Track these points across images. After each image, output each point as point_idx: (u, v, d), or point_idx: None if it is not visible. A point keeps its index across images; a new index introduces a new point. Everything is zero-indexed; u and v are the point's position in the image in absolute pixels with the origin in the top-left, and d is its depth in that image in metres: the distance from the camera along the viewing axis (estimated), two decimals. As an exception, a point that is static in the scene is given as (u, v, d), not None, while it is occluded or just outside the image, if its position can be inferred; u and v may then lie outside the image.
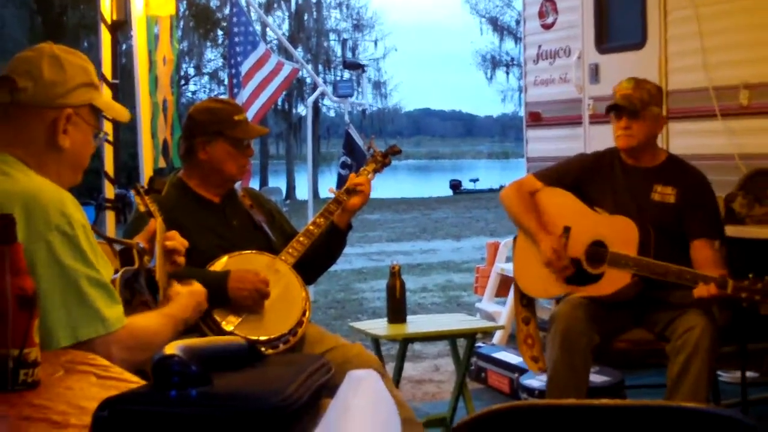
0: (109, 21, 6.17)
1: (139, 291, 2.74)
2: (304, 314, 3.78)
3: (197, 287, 2.93)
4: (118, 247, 2.90)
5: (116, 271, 2.72)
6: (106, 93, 5.60)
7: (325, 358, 1.76)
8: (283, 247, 3.94)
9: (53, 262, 2.40)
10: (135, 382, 2.14)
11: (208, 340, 1.85)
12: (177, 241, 3.04)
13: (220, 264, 3.75)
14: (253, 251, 3.86)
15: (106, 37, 6.17)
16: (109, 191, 6.25)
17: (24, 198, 2.44)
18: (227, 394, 1.45)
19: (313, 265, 4.02)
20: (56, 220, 2.42)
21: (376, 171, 4.24)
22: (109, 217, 6.17)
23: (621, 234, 4.33)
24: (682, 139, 6.25)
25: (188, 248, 3.07)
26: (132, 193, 3.25)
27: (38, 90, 2.60)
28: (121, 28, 6.34)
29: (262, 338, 3.58)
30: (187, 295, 2.85)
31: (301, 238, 3.94)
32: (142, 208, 3.16)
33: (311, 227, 3.97)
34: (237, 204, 4.02)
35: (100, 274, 2.47)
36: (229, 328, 3.61)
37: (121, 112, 2.85)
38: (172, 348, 1.46)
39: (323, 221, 3.98)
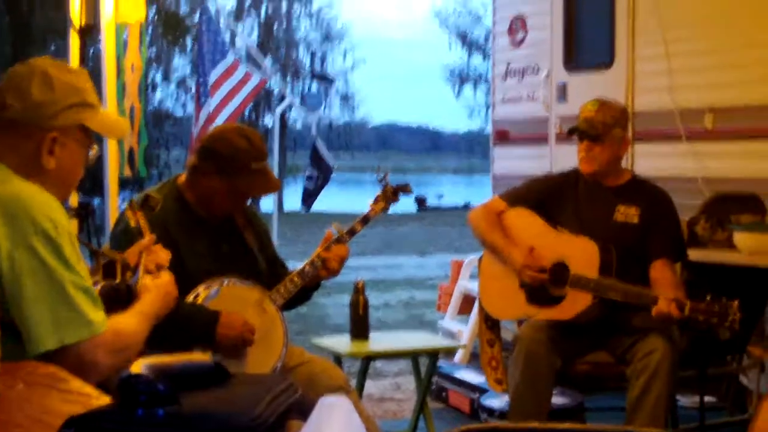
0: (77, 26, 6.13)
1: (116, 306, 2.72)
2: (280, 359, 3.76)
3: (164, 278, 2.89)
4: (103, 260, 2.89)
5: (95, 284, 2.71)
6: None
7: (291, 379, 1.76)
8: (267, 273, 3.91)
9: (39, 266, 2.39)
10: (96, 396, 2.12)
11: (175, 359, 1.84)
12: (160, 255, 3.01)
13: (211, 295, 3.69)
14: (244, 282, 3.79)
15: (74, 41, 6.14)
16: (73, 199, 6.20)
17: (6, 202, 2.43)
18: (195, 414, 1.44)
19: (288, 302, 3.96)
20: (42, 224, 2.41)
21: (384, 210, 4.18)
22: (72, 225, 6.12)
23: (583, 255, 4.34)
24: (647, 161, 6.29)
25: (177, 267, 3.03)
26: (125, 206, 3.22)
27: (25, 109, 2.58)
28: (89, 33, 6.30)
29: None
30: (154, 288, 2.83)
31: (295, 279, 3.88)
32: (132, 224, 3.13)
33: (307, 268, 3.90)
34: (230, 224, 3.92)
35: (83, 279, 2.47)
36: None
37: (118, 129, 2.85)
38: (139, 367, 1.45)
39: (319, 261, 3.92)
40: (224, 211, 3.85)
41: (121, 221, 3.69)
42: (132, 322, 2.62)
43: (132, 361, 2.44)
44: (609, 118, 4.42)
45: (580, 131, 4.43)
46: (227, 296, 3.71)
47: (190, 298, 3.64)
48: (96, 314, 2.45)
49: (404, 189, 4.26)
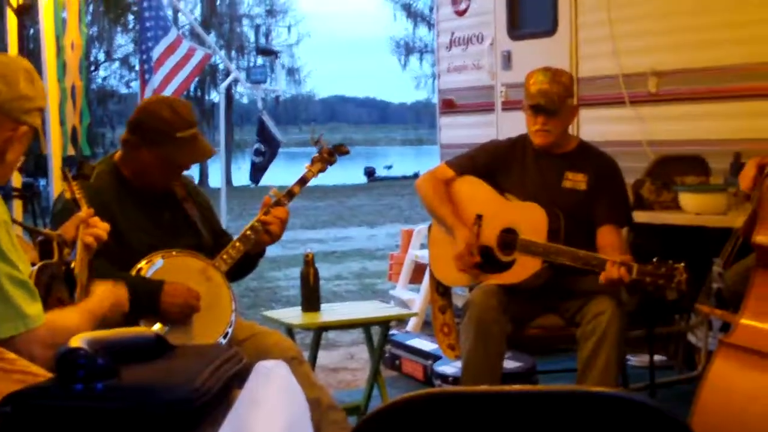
0: (14, 4, 6.06)
1: (56, 286, 2.69)
2: (230, 325, 3.74)
3: (120, 289, 2.90)
4: (38, 238, 2.85)
5: (33, 264, 2.68)
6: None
7: (236, 348, 1.75)
8: (211, 244, 3.88)
9: None
10: (42, 375, 2.11)
11: (116, 332, 1.83)
12: (99, 228, 2.98)
13: (153, 267, 3.66)
14: (187, 252, 3.78)
15: (12, 21, 6.06)
16: (17, 180, 6.13)
17: None
18: (134, 387, 1.42)
19: (232, 272, 3.93)
20: None
21: (320, 171, 4.17)
22: (17, 206, 6.06)
23: (531, 221, 4.36)
24: (592, 126, 6.31)
25: (118, 242, 3.01)
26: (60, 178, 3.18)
27: (10, 97, 2.58)
28: (27, 12, 6.22)
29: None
30: (106, 290, 2.82)
31: (237, 244, 3.86)
32: (68, 195, 3.09)
33: (248, 233, 3.88)
34: (170, 196, 3.91)
35: (20, 272, 2.45)
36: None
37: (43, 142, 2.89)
38: (78, 341, 1.43)
39: (260, 226, 3.91)
40: (160, 184, 3.83)
41: (59, 200, 3.66)
42: (73, 317, 2.61)
43: None
44: (562, 89, 4.42)
45: (541, 107, 4.41)
46: (170, 267, 3.69)
47: (132, 272, 3.61)
48: (32, 308, 2.43)
49: (340, 149, 4.26)
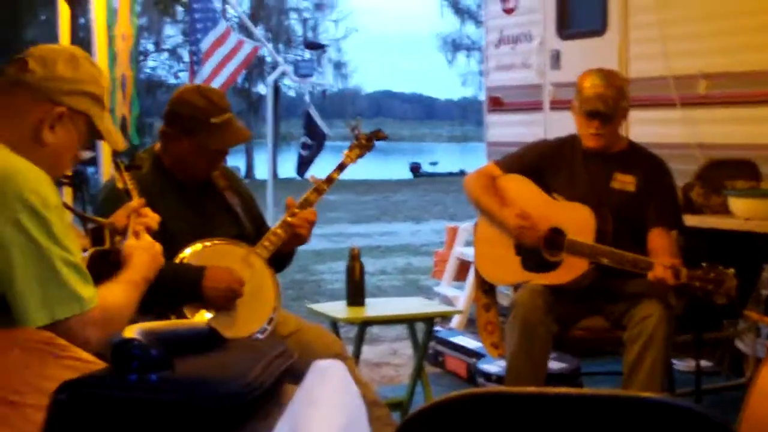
0: (67, -5, 6.11)
1: (107, 273, 2.71)
2: (274, 311, 3.75)
3: (145, 239, 2.88)
4: (89, 226, 2.87)
5: (84, 250, 2.70)
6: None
7: (286, 344, 1.76)
8: (253, 234, 3.90)
9: (28, 242, 2.39)
10: (93, 362, 2.12)
11: (169, 324, 1.84)
12: (150, 218, 3.00)
13: (194, 253, 3.68)
14: (228, 240, 3.79)
15: (63, 11, 6.10)
16: (67, 168, 6.18)
17: None
18: (188, 379, 1.43)
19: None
20: (30, 200, 2.41)
21: (359, 156, 4.19)
22: (66, 193, 6.11)
23: (579, 221, 4.34)
24: (642, 128, 6.27)
25: (161, 232, 3.03)
26: (112, 168, 3.20)
27: (45, 78, 2.60)
28: (78, 2, 6.28)
29: (232, 338, 3.53)
30: (140, 251, 2.81)
31: (278, 231, 3.87)
32: (120, 185, 3.11)
33: (289, 218, 3.89)
34: (211, 186, 3.93)
35: (72, 254, 2.46)
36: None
37: (117, 139, 2.81)
38: (132, 331, 1.45)
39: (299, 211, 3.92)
40: (201, 172, 3.85)
41: (105, 187, 3.69)
42: (119, 293, 2.60)
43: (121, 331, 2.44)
44: (617, 93, 4.38)
45: (598, 113, 4.37)
46: (212, 254, 3.70)
47: (176, 261, 3.64)
48: (85, 290, 2.45)
49: (377, 135, 4.29)
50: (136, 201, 3.00)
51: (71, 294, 2.41)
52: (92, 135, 2.70)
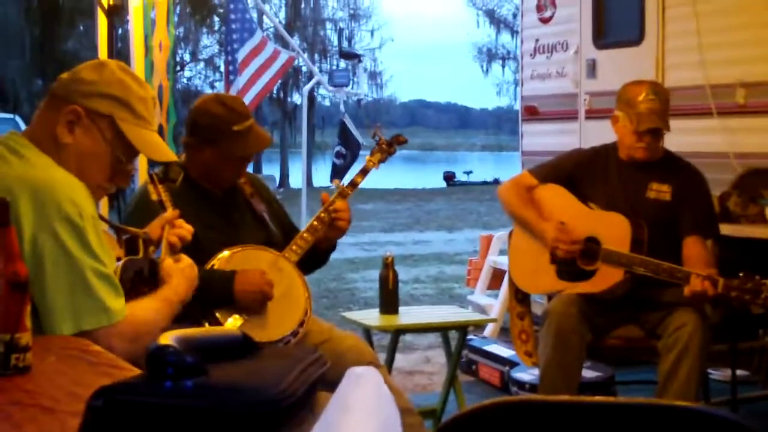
0: (105, 5, 6.17)
1: (140, 283, 2.72)
2: (305, 314, 3.76)
3: (185, 263, 2.89)
4: (124, 236, 2.89)
5: (118, 259, 2.72)
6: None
7: (320, 352, 1.76)
8: (282, 240, 3.92)
9: (61, 252, 2.40)
10: (128, 369, 2.14)
11: (203, 331, 1.85)
12: (184, 229, 3.02)
13: (222, 259, 3.71)
14: (256, 246, 3.82)
15: (102, 21, 6.16)
16: (103, 177, 6.23)
17: (35, 185, 2.44)
18: (223, 386, 1.44)
19: (304, 265, 3.95)
20: (66, 210, 2.42)
21: (381, 161, 4.22)
22: (103, 203, 6.15)
23: (614, 231, 4.32)
24: (678, 137, 6.20)
25: (191, 242, 3.04)
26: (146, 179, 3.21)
27: (68, 83, 2.63)
28: (117, 12, 6.33)
29: (264, 340, 3.55)
30: (179, 273, 2.81)
31: (305, 235, 3.89)
32: (154, 197, 3.12)
33: (315, 223, 3.92)
34: (238, 194, 3.96)
35: (105, 266, 2.47)
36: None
37: (155, 149, 2.75)
38: (167, 338, 1.46)
39: (327, 217, 3.95)
40: (227, 180, 3.87)
41: (136, 197, 3.72)
42: (151, 309, 2.62)
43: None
44: (667, 107, 4.38)
45: (657, 131, 4.36)
46: (241, 260, 3.73)
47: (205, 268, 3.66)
48: (115, 302, 2.46)
49: (398, 140, 4.31)
50: (170, 212, 3.02)
51: (100, 305, 2.43)
52: (123, 141, 2.66)
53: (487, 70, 45.23)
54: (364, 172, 4.16)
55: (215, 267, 3.68)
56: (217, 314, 3.59)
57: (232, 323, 3.59)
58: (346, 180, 4.12)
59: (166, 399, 1.40)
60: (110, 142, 2.64)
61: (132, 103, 2.66)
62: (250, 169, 4.14)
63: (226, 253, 3.73)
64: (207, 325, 3.51)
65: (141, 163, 6.22)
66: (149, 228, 3.01)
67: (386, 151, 4.23)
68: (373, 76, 44.46)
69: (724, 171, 5.67)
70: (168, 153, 2.81)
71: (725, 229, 4.80)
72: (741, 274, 3.91)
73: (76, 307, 2.40)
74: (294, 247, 3.86)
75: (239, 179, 3.95)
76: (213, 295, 3.52)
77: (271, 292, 3.68)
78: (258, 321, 3.65)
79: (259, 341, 3.45)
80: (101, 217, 2.63)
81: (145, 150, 2.73)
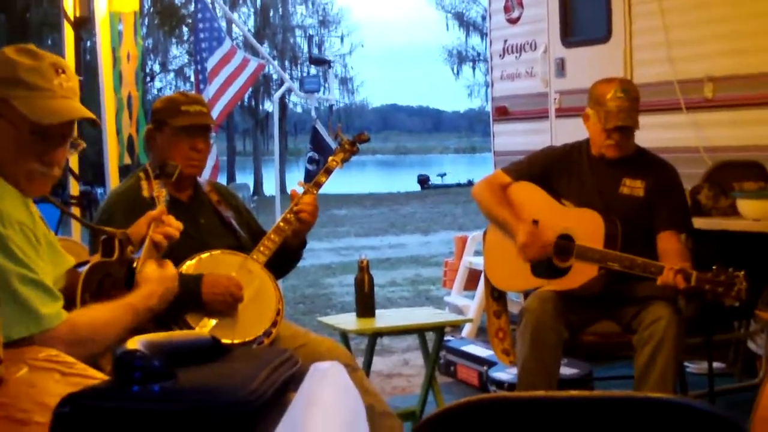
0: (72, 18, 6.14)
1: (109, 284, 2.68)
2: (278, 314, 3.75)
3: (168, 271, 2.85)
4: (102, 236, 2.84)
5: (84, 263, 2.67)
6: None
7: (291, 351, 1.75)
8: (251, 244, 3.91)
9: None
10: (100, 378, 2.11)
11: (172, 335, 1.83)
12: (173, 226, 2.98)
13: (191, 265, 3.70)
14: (224, 251, 3.81)
15: (69, 34, 6.14)
16: (74, 188, 6.20)
17: None
18: (191, 389, 1.42)
19: (277, 266, 3.96)
20: None
21: (344, 160, 4.23)
22: (75, 213, 6.11)
23: (588, 227, 4.33)
24: (648, 133, 6.22)
25: None
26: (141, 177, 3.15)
27: None
28: (84, 25, 6.30)
29: (236, 341, 3.54)
30: (156, 281, 2.77)
31: (272, 236, 3.89)
32: (146, 193, 3.08)
33: (282, 224, 3.92)
34: (204, 201, 3.97)
35: (33, 272, 2.41)
36: (203, 332, 3.57)
37: (54, 113, 2.58)
38: (135, 343, 1.44)
39: (293, 217, 3.95)
40: (183, 163, 3.74)
41: (123, 192, 3.71)
42: (105, 312, 2.55)
43: (103, 351, 2.39)
44: (637, 104, 4.39)
45: (626, 128, 4.37)
46: (209, 264, 3.72)
47: None
48: (48, 308, 2.40)
49: (360, 138, 4.34)
50: (157, 210, 2.98)
51: (29, 313, 2.37)
52: (27, 118, 2.54)
53: (458, 73, 45.32)
54: (327, 171, 4.17)
55: (183, 272, 3.66)
56: (188, 318, 3.58)
57: (204, 327, 3.58)
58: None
59: (133, 403, 1.39)
60: (16, 124, 2.54)
61: (21, 77, 2.56)
62: (223, 178, 4.13)
63: (194, 258, 3.71)
64: (177, 329, 3.49)
65: (113, 173, 6.20)
66: (135, 226, 2.97)
67: (349, 150, 4.25)
68: (344, 81, 44.48)
69: (695, 165, 5.69)
70: (75, 111, 2.63)
71: (697, 222, 4.81)
72: (714, 267, 3.92)
73: (3, 316, 2.32)
74: (262, 248, 3.86)
75: (191, 172, 3.89)
76: (181, 299, 3.50)
77: (239, 294, 3.66)
78: (230, 323, 3.64)
79: (231, 343, 3.45)
80: (76, 218, 2.59)
81: (42, 119, 2.55)
